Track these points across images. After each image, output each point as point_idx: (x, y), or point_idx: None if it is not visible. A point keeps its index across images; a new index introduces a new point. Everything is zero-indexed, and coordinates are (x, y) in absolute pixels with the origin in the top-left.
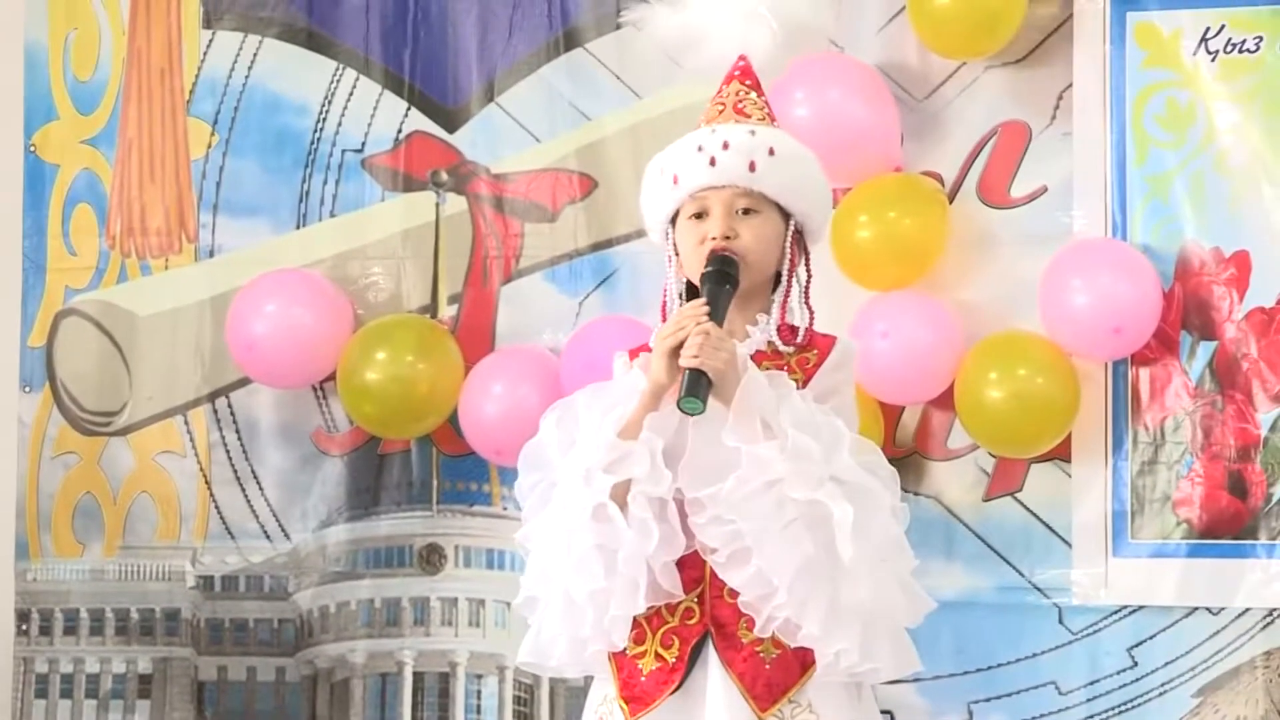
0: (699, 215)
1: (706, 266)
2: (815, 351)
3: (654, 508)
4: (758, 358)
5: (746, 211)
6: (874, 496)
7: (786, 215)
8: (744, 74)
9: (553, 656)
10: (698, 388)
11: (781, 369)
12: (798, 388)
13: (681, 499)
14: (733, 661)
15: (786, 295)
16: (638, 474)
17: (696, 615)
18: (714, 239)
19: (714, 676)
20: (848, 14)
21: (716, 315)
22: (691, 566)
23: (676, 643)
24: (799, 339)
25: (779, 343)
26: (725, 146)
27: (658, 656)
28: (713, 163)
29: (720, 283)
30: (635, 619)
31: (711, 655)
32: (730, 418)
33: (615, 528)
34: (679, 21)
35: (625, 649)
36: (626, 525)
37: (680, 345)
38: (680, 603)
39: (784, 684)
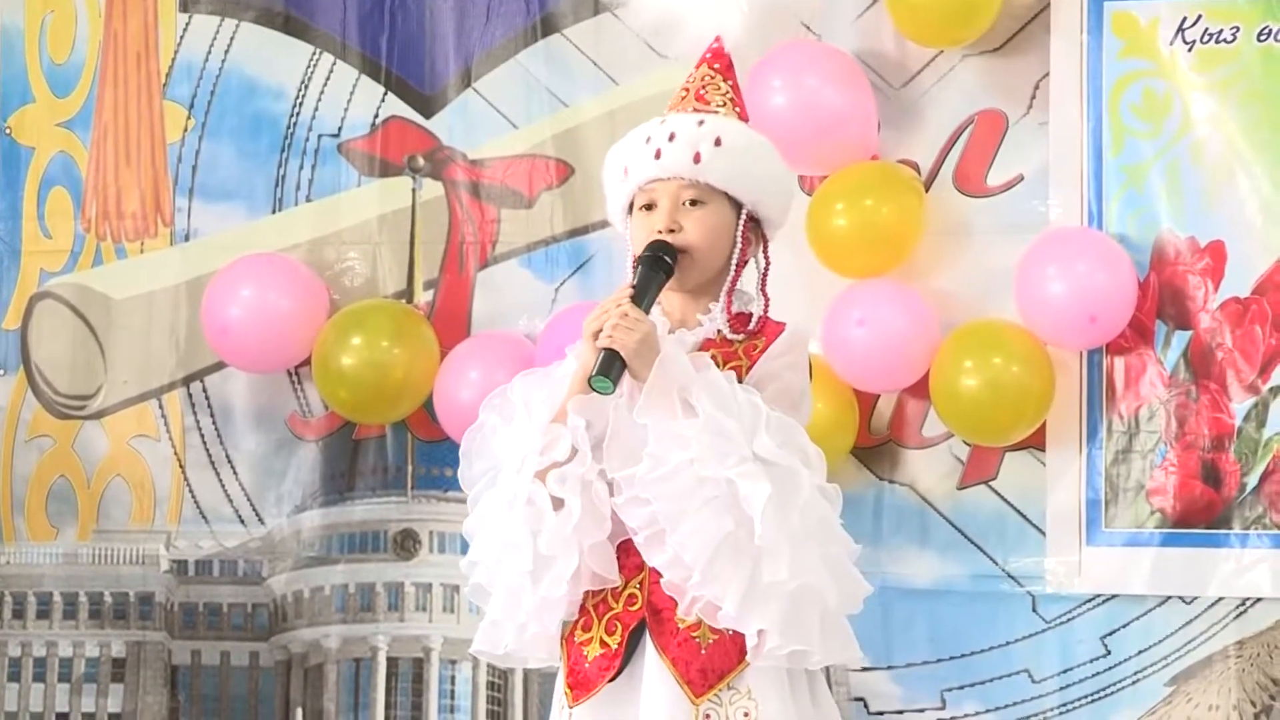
0: (649, 206)
1: (643, 252)
2: (764, 339)
3: (578, 488)
4: (707, 345)
5: (694, 202)
6: (795, 476)
7: (738, 204)
8: (715, 57)
9: (500, 644)
10: (609, 367)
11: (729, 356)
12: (743, 374)
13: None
14: (666, 647)
15: (732, 284)
16: (562, 457)
17: (639, 601)
18: (659, 232)
19: (650, 662)
20: (825, 1)
21: (643, 298)
22: (634, 552)
23: (619, 629)
24: (750, 326)
25: (727, 331)
26: (671, 138)
27: (602, 643)
28: (658, 155)
29: (653, 267)
30: (583, 606)
31: (648, 641)
32: (642, 397)
33: (542, 511)
34: (656, 6)
35: (575, 636)
36: (550, 508)
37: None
38: (624, 589)
39: (720, 670)
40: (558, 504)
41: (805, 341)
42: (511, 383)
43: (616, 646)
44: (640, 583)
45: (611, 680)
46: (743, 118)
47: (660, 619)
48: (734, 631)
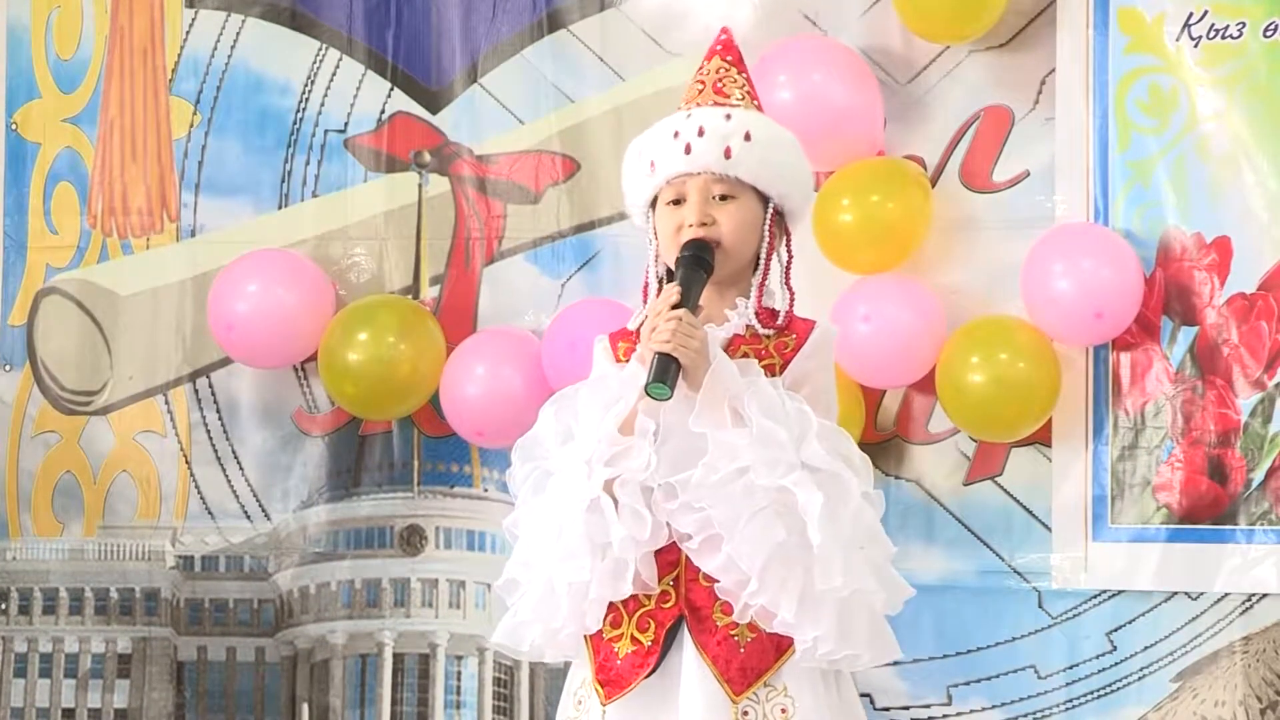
0: (676, 201)
1: (682, 252)
2: (794, 336)
3: (645, 497)
4: (736, 341)
5: (724, 197)
6: (844, 483)
7: (765, 198)
8: (725, 48)
9: (526, 641)
10: (666, 373)
11: (760, 353)
12: (775, 372)
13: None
14: (706, 645)
15: (764, 279)
16: (637, 467)
17: (673, 599)
18: (690, 226)
19: (689, 660)
20: None
21: (689, 301)
22: (667, 551)
23: (653, 626)
24: (779, 322)
25: (758, 326)
26: (700, 133)
27: (633, 640)
28: (688, 150)
29: (694, 268)
30: (612, 603)
31: (686, 639)
32: (697, 404)
33: (606, 519)
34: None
35: (602, 632)
36: (617, 516)
37: None
38: (657, 585)
39: (758, 668)
40: (621, 510)
41: (834, 338)
42: (575, 387)
43: (651, 644)
44: (674, 580)
45: (646, 678)
46: (760, 110)
47: (699, 617)
48: (772, 632)
